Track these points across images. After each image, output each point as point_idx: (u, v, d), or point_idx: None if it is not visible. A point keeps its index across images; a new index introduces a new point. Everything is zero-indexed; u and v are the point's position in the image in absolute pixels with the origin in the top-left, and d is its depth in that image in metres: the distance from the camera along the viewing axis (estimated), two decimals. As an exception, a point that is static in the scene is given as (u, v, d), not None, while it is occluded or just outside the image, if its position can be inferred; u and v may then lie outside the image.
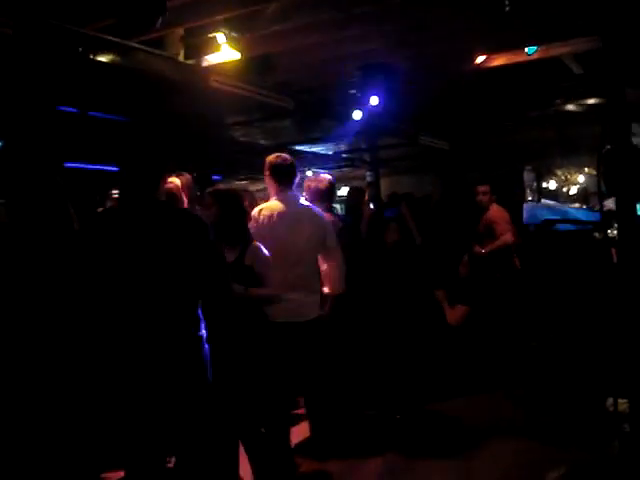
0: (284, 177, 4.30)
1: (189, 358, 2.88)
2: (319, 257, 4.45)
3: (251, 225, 4.15)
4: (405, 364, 5.80)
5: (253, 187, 12.27)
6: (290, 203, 4.29)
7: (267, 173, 4.32)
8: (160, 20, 4.27)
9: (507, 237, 7.00)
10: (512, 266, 7.11)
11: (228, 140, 9.92)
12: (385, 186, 11.51)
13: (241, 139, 10.31)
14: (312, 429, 4.67)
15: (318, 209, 4.59)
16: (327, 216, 4.73)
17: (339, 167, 13.19)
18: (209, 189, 4.01)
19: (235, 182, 13.56)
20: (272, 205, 4.30)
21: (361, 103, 7.23)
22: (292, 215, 4.25)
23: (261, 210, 4.27)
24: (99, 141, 9.04)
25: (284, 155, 4.35)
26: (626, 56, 3.23)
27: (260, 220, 4.20)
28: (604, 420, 4.24)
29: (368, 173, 11.75)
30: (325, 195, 5.08)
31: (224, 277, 3.05)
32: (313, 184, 5.07)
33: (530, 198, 11.35)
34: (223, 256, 3.11)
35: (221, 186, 4.29)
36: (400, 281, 6.12)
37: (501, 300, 6.61)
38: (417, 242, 6.72)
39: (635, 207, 3.25)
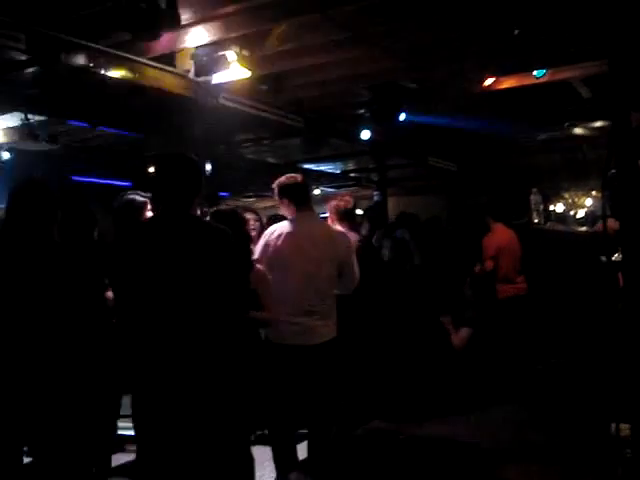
0: (299, 197, 4.15)
1: (209, 366, 2.93)
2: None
3: (260, 246, 4.13)
4: (408, 383, 5.77)
5: (261, 204, 12.31)
6: (305, 223, 4.12)
7: (280, 196, 4.16)
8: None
9: (486, 264, 6.95)
10: (492, 294, 7.00)
11: (237, 157, 9.96)
12: (393, 206, 11.52)
13: (249, 157, 10.37)
14: (310, 450, 4.49)
15: (340, 229, 4.55)
16: (352, 235, 4.71)
17: (346, 186, 13.21)
18: (210, 210, 3.92)
19: (242, 199, 13.61)
20: (280, 226, 4.17)
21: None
22: (302, 236, 4.07)
23: (271, 232, 4.15)
24: (108, 156, 9.15)
25: (293, 175, 4.22)
26: (632, 80, 3.24)
27: (269, 242, 4.10)
28: (607, 445, 4.20)
29: (375, 193, 11.77)
30: (351, 215, 5.10)
31: (239, 294, 3.15)
32: (342, 204, 5.03)
33: (537, 221, 11.32)
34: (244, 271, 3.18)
35: (223, 206, 4.20)
36: (406, 304, 6.10)
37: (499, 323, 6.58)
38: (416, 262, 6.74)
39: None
